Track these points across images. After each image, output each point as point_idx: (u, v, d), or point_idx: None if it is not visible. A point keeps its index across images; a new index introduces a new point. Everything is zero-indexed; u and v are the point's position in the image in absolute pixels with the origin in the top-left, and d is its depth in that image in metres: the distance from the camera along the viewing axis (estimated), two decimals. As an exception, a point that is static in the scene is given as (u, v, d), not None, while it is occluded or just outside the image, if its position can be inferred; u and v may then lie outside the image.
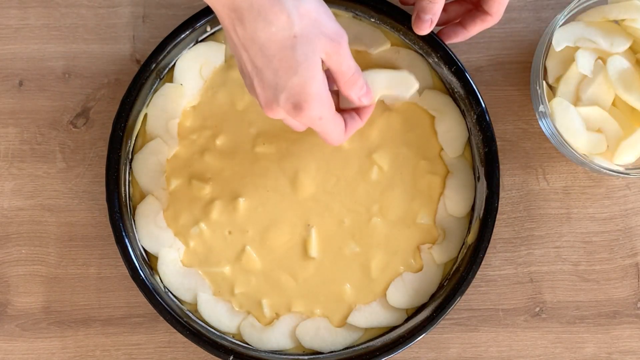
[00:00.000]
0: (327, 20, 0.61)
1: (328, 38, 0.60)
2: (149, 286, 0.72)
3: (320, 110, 0.62)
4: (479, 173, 0.74)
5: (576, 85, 0.74)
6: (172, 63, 0.76)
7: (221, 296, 0.74)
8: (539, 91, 0.72)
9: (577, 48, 0.73)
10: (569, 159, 0.75)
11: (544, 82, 0.72)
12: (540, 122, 0.75)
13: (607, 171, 0.71)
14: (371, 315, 0.74)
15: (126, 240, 0.72)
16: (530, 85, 0.76)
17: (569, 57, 0.73)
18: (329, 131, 0.66)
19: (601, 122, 0.73)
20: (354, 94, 0.66)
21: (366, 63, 0.76)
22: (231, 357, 0.71)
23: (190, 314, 0.74)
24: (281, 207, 0.74)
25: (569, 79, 0.73)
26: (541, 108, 0.72)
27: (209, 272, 0.74)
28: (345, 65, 0.63)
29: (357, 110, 0.70)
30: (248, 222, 0.74)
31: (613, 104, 0.74)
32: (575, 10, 0.73)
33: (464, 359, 0.76)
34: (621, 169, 0.72)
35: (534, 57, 0.75)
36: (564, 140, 0.71)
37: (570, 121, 0.72)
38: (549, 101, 0.72)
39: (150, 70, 0.74)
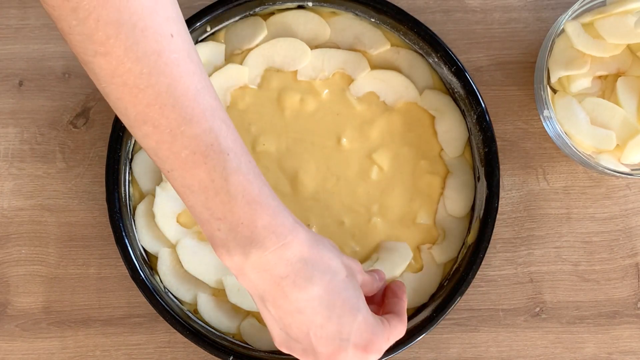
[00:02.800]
0: (351, 261, 0.63)
1: (354, 264, 0.63)
2: (149, 286, 0.72)
3: (384, 333, 0.62)
4: (479, 173, 0.74)
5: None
6: (172, 63, 0.76)
7: (221, 296, 0.74)
8: (543, 95, 0.72)
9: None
10: (573, 160, 0.75)
11: (547, 85, 0.72)
12: (545, 124, 0.75)
13: (613, 172, 0.71)
14: (371, 315, 0.74)
15: (126, 240, 0.72)
16: (534, 87, 0.76)
17: (573, 57, 0.73)
18: (399, 334, 0.65)
19: (608, 118, 0.73)
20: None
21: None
22: (231, 357, 0.71)
23: (190, 314, 0.74)
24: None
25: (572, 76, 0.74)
26: (546, 112, 0.72)
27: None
28: (369, 279, 0.65)
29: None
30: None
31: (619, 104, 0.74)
32: (579, 11, 0.73)
33: (464, 359, 0.76)
34: (627, 170, 0.72)
35: (537, 59, 0.75)
36: (569, 138, 0.71)
37: (575, 116, 0.72)
38: (552, 98, 0.72)
39: (150, 70, 0.74)
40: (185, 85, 0.55)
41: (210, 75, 0.76)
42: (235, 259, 0.57)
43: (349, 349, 0.60)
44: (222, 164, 0.56)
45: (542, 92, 0.72)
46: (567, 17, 0.72)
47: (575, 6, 0.72)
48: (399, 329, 0.64)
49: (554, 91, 0.75)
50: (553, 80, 0.73)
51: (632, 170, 0.72)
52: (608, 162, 0.72)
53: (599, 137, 0.73)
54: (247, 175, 0.57)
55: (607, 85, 0.75)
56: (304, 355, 0.61)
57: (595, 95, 0.75)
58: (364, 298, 0.62)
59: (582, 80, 0.73)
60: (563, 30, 0.73)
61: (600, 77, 0.75)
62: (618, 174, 0.71)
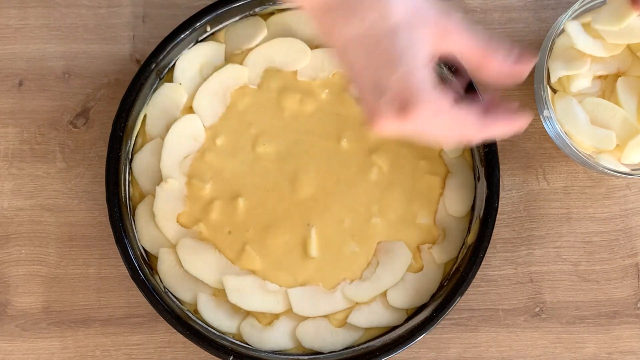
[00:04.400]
0: (427, 6, 0.53)
1: (433, 21, 0.53)
2: (149, 286, 0.72)
3: (433, 104, 0.52)
4: (479, 173, 0.74)
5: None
6: (172, 63, 0.76)
7: (221, 296, 0.74)
8: (543, 95, 0.72)
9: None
10: (573, 160, 0.75)
11: (547, 85, 0.72)
12: (545, 125, 0.75)
13: (613, 172, 0.71)
14: (371, 315, 0.74)
15: (126, 240, 0.72)
16: (534, 87, 0.76)
17: (573, 57, 0.73)
18: (453, 127, 0.54)
19: (608, 118, 0.73)
20: (501, 60, 0.55)
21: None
22: (231, 357, 0.71)
23: (190, 314, 0.74)
24: (281, 207, 0.74)
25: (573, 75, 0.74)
26: (545, 112, 0.72)
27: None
28: (467, 37, 0.54)
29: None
30: (248, 221, 0.74)
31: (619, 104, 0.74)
32: (579, 11, 0.73)
33: (464, 359, 0.76)
34: (627, 170, 0.72)
35: (537, 59, 0.75)
36: (569, 138, 0.71)
37: (575, 116, 0.72)
38: (552, 98, 0.72)
39: (150, 70, 0.74)
40: None
41: (210, 75, 0.76)
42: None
43: (383, 107, 0.52)
44: None
45: (542, 92, 0.72)
46: (567, 17, 0.71)
47: (575, 6, 0.72)
48: (471, 113, 0.54)
49: (554, 91, 0.75)
50: (553, 80, 0.73)
51: (632, 170, 0.72)
52: (608, 162, 0.72)
53: (599, 137, 0.73)
54: None
55: (607, 85, 0.75)
56: (358, 103, 0.55)
57: (595, 95, 0.75)
58: (423, 57, 0.52)
59: (582, 80, 0.73)
60: (563, 30, 0.73)
61: (600, 77, 0.75)
62: (618, 174, 0.71)
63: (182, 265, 0.74)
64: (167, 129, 0.75)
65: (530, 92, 0.78)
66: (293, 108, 0.76)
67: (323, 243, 0.74)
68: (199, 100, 0.76)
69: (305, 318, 0.74)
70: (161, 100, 0.76)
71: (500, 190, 0.74)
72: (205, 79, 0.76)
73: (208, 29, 0.76)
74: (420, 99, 0.51)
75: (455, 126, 0.54)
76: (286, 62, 0.76)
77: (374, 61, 0.52)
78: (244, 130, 0.75)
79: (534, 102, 0.77)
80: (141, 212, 0.75)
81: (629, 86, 0.73)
